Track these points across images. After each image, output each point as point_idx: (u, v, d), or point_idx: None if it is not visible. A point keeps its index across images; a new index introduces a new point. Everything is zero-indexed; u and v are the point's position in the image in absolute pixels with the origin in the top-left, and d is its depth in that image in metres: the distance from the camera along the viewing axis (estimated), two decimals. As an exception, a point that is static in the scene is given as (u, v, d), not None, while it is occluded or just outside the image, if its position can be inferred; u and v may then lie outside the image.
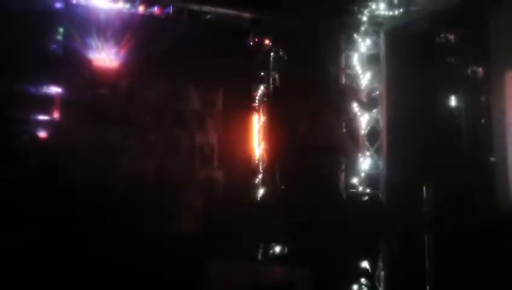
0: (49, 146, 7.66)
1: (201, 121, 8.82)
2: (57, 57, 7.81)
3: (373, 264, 8.06)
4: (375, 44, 8.45)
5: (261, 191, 9.22)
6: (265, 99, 9.42)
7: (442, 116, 7.91)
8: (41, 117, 7.75)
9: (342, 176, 8.56)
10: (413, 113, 7.94)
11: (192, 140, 8.72)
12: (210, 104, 8.91)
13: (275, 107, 9.25)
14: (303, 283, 5.98)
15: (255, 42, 9.17)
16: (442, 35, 7.91)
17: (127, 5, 8.13)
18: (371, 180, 8.35)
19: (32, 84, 7.65)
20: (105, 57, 8.11)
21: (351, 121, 8.47)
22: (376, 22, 8.34)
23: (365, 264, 8.07)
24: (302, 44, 8.67)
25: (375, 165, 8.35)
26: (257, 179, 9.26)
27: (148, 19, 8.27)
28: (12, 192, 7.02)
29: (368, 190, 8.31)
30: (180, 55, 8.24)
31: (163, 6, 8.29)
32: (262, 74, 9.38)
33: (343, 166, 8.54)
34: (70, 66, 7.92)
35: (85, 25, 7.95)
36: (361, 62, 8.52)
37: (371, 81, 8.49)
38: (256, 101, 9.41)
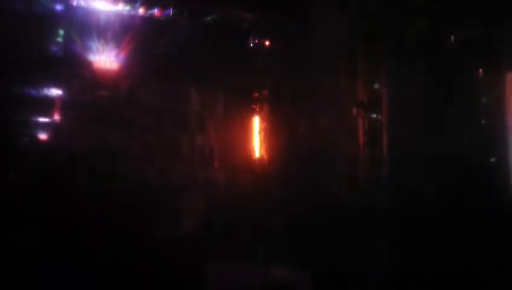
0: (49, 148, 7.67)
1: (201, 122, 8.84)
2: (57, 59, 7.83)
3: (374, 264, 8.05)
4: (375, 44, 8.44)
5: (261, 192, 9.19)
6: (265, 100, 9.41)
7: (444, 117, 7.91)
8: (42, 119, 7.77)
9: (342, 176, 8.55)
10: (414, 114, 7.94)
11: (193, 141, 8.74)
12: (210, 106, 8.93)
13: (275, 109, 9.25)
14: (303, 284, 5.99)
15: (255, 43, 9.16)
16: (443, 36, 7.91)
17: (127, 7, 8.13)
18: (371, 181, 8.34)
19: (32, 86, 7.66)
20: (105, 59, 8.13)
21: (351, 122, 8.46)
22: (376, 23, 8.33)
23: (366, 263, 8.07)
24: (302, 45, 8.67)
25: (375, 165, 8.33)
26: (257, 180, 9.24)
27: (148, 20, 8.27)
28: (13, 193, 7.03)
29: (368, 191, 8.30)
30: (180, 57, 8.25)
31: (164, 8, 8.28)
32: (262, 75, 9.37)
33: (343, 166, 8.53)
34: (71, 68, 7.93)
35: (85, 27, 7.96)
36: (360, 63, 8.50)
37: (372, 82, 8.47)
38: (257, 103, 9.40)
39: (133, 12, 8.20)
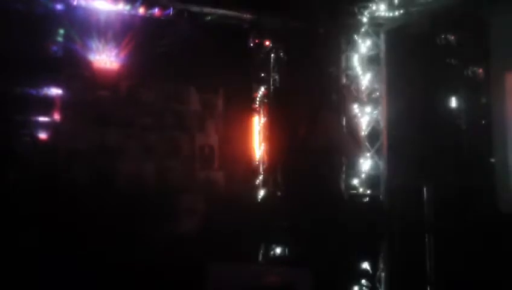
0: (49, 148, 7.67)
1: (201, 122, 8.85)
2: (57, 59, 7.83)
3: (374, 265, 8.06)
4: (376, 45, 8.44)
5: (261, 193, 9.21)
6: (265, 100, 9.42)
7: (442, 117, 7.90)
8: (42, 119, 7.77)
9: (343, 177, 8.55)
10: (414, 114, 7.94)
11: (193, 141, 8.74)
12: (210, 106, 8.94)
13: (276, 109, 9.25)
14: (303, 284, 5.98)
15: (255, 43, 9.17)
16: (442, 36, 7.90)
17: (127, 7, 8.13)
18: (371, 181, 8.33)
19: (32, 86, 7.67)
20: (105, 58, 8.14)
21: (351, 122, 8.46)
22: (376, 23, 8.33)
23: (366, 265, 8.07)
24: (302, 45, 8.68)
25: (375, 166, 8.33)
26: (258, 180, 9.26)
27: (149, 20, 8.27)
28: (13, 194, 7.03)
29: (368, 191, 8.30)
30: (181, 57, 8.26)
31: (164, 8, 8.29)
32: (262, 75, 9.39)
33: (344, 167, 8.54)
34: (71, 67, 7.95)
35: (85, 26, 7.97)
36: (361, 63, 8.50)
37: (371, 81, 8.47)
38: (257, 103, 9.41)
39: (133, 12, 8.19)
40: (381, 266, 8.07)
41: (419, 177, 7.72)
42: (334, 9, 8.31)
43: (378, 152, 8.36)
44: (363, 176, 8.35)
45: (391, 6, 7.96)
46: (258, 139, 9.38)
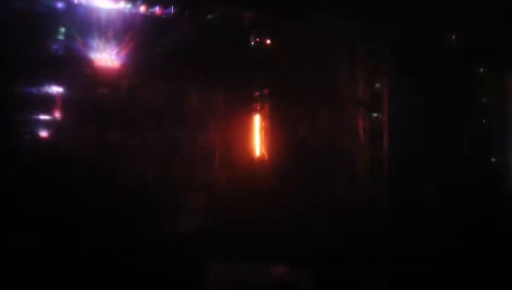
0: (50, 146, 7.66)
1: (202, 121, 8.83)
2: (58, 57, 7.81)
3: (373, 265, 8.06)
4: (378, 45, 8.44)
5: (262, 191, 9.20)
6: (266, 99, 9.41)
7: (444, 117, 7.92)
8: (43, 117, 7.76)
9: (343, 176, 8.56)
10: (415, 113, 7.95)
11: (194, 140, 8.73)
12: (211, 105, 8.92)
13: (276, 108, 9.25)
14: (304, 283, 5.99)
15: (256, 42, 9.15)
16: (443, 36, 7.92)
17: (129, 5, 8.12)
18: (372, 180, 8.35)
19: (33, 85, 7.65)
20: (106, 57, 8.12)
21: (351, 121, 8.48)
22: (377, 23, 8.33)
23: (365, 264, 8.07)
24: (302, 44, 8.67)
25: (376, 165, 8.34)
26: (258, 179, 9.24)
27: (150, 19, 8.26)
28: (14, 192, 7.01)
29: (369, 190, 8.32)
30: (181, 56, 8.24)
31: (165, 6, 8.27)
32: (263, 74, 9.37)
33: (344, 166, 8.55)
34: (72, 66, 7.93)
35: (86, 25, 7.95)
36: (362, 62, 8.51)
37: (373, 81, 8.48)
38: (257, 102, 9.40)
39: (134, 11, 8.18)
40: (380, 265, 8.08)
41: (420, 176, 7.75)
42: (334, 9, 8.31)
43: (378, 151, 8.38)
44: (363, 174, 8.36)
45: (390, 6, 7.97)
46: (258, 138, 9.37)
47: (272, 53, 9.26)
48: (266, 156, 9.31)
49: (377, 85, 8.53)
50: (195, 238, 7.89)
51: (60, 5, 7.78)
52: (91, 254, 6.80)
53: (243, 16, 8.66)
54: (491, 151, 8.18)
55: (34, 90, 7.67)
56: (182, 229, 8.03)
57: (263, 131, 9.37)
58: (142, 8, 8.21)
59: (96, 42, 8.05)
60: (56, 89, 7.86)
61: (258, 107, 9.45)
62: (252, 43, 9.16)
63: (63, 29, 7.84)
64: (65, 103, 7.85)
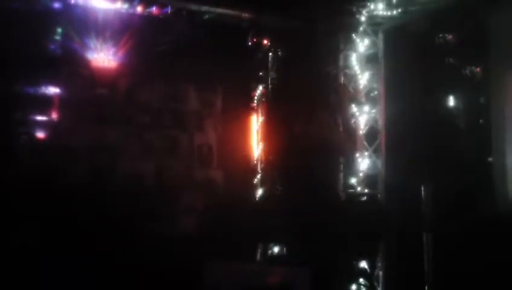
0: (47, 147, 7.64)
1: (200, 121, 8.82)
2: (55, 58, 7.80)
3: (371, 264, 8.07)
4: (374, 44, 8.45)
5: (259, 192, 9.21)
6: (263, 99, 9.42)
7: (441, 116, 7.92)
8: (40, 117, 7.74)
9: (341, 176, 8.57)
10: (412, 113, 7.95)
11: (191, 140, 8.72)
12: (209, 105, 8.91)
13: (274, 107, 9.25)
14: (302, 283, 6.00)
15: (253, 42, 9.14)
16: (441, 35, 7.91)
17: (126, 5, 8.10)
18: (369, 181, 8.35)
19: (30, 85, 7.63)
20: (104, 57, 8.10)
21: (349, 121, 8.47)
22: (374, 22, 8.33)
23: (364, 264, 8.08)
24: (300, 44, 8.67)
25: (373, 166, 8.35)
26: (256, 179, 9.25)
27: (147, 19, 8.24)
28: (11, 193, 7.00)
29: (366, 190, 8.31)
30: (179, 56, 8.24)
31: (162, 6, 8.26)
32: (260, 74, 9.38)
33: (342, 166, 8.55)
34: (69, 66, 7.91)
35: (83, 25, 7.93)
36: (359, 62, 8.50)
37: (370, 81, 8.47)
38: (255, 101, 9.40)
39: (131, 11, 8.16)
40: (379, 265, 8.09)
41: (418, 176, 7.74)
42: (332, 8, 8.30)
43: (376, 151, 8.38)
44: (361, 175, 8.36)
45: (390, 5, 7.97)
46: (256, 138, 9.37)
47: (269, 53, 9.27)
48: (264, 157, 9.31)
49: (373, 85, 8.51)
50: (193, 237, 7.89)
51: (57, 5, 7.76)
52: (89, 254, 6.81)
53: (241, 16, 8.63)
54: (488, 152, 8.16)
55: (31, 90, 7.65)
56: (180, 229, 8.04)
57: (261, 131, 9.37)
58: (139, 8, 8.18)
59: (93, 42, 8.03)
60: (53, 89, 7.84)
61: (256, 108, 9.44)
62: (250, 43, 9.15)
63: (60, 29, 7.83)
64: (62, 102, 7.83)
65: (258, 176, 9.26)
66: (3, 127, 7.37)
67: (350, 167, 8.45)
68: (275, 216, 8.30)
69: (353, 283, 8.05)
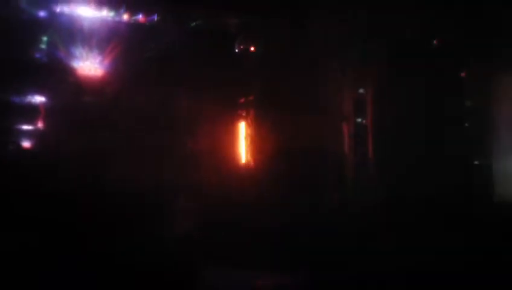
0: (37, 153, 7.57)
1: (189, 126, 8.79)
2: (41, 66, 7.74)
3: (362, 264, 8.06)
4: (368, 48, 8.49)
5: (250, 194, 9.16)
6: (252, 104, 9.41)
7: (439, 117, 7.99)
8: (28, 125, 7.67)
9: (332, 179, 8.58)
10: (407, 115, 8.01)
11: (180, 145, 8.68)
12: (197, 110, 8.88)
13: (262, 113, 9.25)
14: (298, 284, 5.97)
15: (241, 49, 9.16)
16: (437, 38, 7.99)
17: (112, 13, 8.08)
18: (361, 183, 8.37)
19: (16, 93, 7.56)
20: (90, 65, 8.06)
21: (340, 125, 8.51)
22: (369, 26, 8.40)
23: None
24: (289, 50, 8.70)
25: (366, 168, 8.37)
26: (246, 183, 9.22)
27: (133, 26, 8.23)
28: (4, 197, 6.90)
29: (358, 193, 8.33)
30: (167, 62, 8.22)
31: (148, 14, 8.25)
32: (249, 79, 9.37)
33: (332, 169, 8.56)
34: (55, 74, 7.85)
35: (69, 33, 7.89)
36: (352, 66, 8.55)
37: (363, 84, 8.52)
38: (244, 107, 9.39)
39: (117, 18, 8.15)
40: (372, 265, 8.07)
41: (415, 177, 7.78)
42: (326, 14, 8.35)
43: (369, 154, 8.40)
44: (352, 177, 8.38)
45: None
46: (245, 142, 9.36)
47: (257, 59, 9.28)
48: (252, 161, 9.30)
49: (362, 90, 8.56)
50: (185, 240, 7.83)
51: (42, 13, 7.72)
52: (85, 257, 6.72)
53: (228, 22, 8.65)
54: (475, 154, 8.24)
55: (17, 98, 7.58)
56: (172, 232, 7.97)
57: (249, 137, 9.36)
58: (126, 16, 8.17)
59: (79, 50, 7.99)
60: (39, 98, 7.78)
61: (243, 114, 9.43)
62: (237, 50, 9.15)
63: (45, 38, 7.78)
64: (48, 110, 7.76)
65: (248, 180, 9.22)
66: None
67: (340, 170, 8.47)
68: (266, 219, 8.27)
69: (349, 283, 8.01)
